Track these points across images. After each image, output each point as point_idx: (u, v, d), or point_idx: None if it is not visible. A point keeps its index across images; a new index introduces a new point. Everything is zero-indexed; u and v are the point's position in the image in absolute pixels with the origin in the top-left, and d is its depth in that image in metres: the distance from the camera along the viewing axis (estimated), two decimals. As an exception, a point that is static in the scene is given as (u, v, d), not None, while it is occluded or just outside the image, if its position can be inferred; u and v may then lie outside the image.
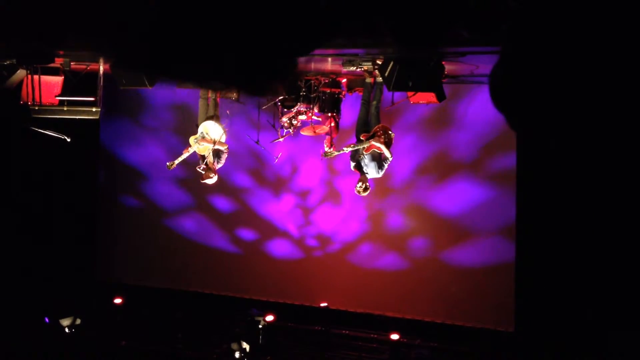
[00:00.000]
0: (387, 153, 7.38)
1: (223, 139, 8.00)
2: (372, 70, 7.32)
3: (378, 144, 7.34)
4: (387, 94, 7.79)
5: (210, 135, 7.81)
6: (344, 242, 10.60)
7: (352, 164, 7.63)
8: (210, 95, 8.11)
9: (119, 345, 9.62)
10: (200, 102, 8.15)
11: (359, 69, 7.28)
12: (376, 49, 6.42)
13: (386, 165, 7.49)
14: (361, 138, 7.55)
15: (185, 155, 7.78)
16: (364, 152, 7.44)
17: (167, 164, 7.83)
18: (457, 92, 9.49)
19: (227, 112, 8.45)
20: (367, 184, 7.54)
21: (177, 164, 7.98)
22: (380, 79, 7.34)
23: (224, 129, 8.02)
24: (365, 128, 7.64)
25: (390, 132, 7.47)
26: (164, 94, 11.24)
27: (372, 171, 7.49)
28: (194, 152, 7.90)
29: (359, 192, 7.56)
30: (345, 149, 7.48)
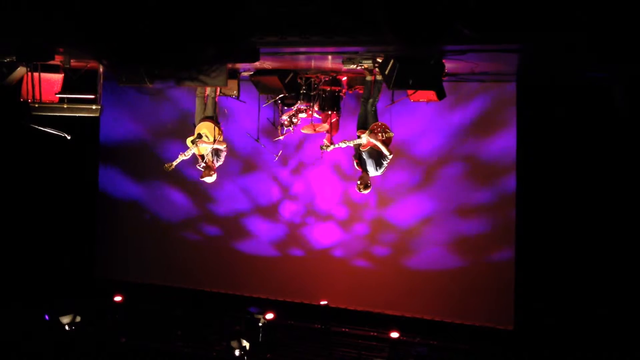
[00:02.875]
0: (385, 151, 7.35)
1: (221, 138, 7.98)
2: (372, 68, 7.30)
3: (374, 141, 7.32)
4: (387, 92, 7.77)
5: (209, 137, 7.79)
6: (344, 241, 10.60)
7: (355, 162, 7.64)
8: (208, 93, 8.05)
9: (119, 342, 9.63)
10: (197, 101, 8.09)
11: (359, 67, 7.26)
12: (377, 46, 6.39)
13: (385, 164, 7.46)
14: (358, 134, 7.54)
15: (183, 157, 7.74)
16: (362, 149, 7.43)
17: (165, 165, 7.77)
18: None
19: (225, 110, 8.39)
20: (368, 182, 7.53)
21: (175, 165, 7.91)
22: (380, 77, 7.32)
23: (220, 128, 7.98)
24: (365, 126, 7.63)
25: (388, 131, 7.45)
26: (163, 92, 11.25)
27: (371, 169, 7.48)
28: (192, 153, 7.85)
29: (359, 189, 7.55)
30: (341, 143, 7.47)
